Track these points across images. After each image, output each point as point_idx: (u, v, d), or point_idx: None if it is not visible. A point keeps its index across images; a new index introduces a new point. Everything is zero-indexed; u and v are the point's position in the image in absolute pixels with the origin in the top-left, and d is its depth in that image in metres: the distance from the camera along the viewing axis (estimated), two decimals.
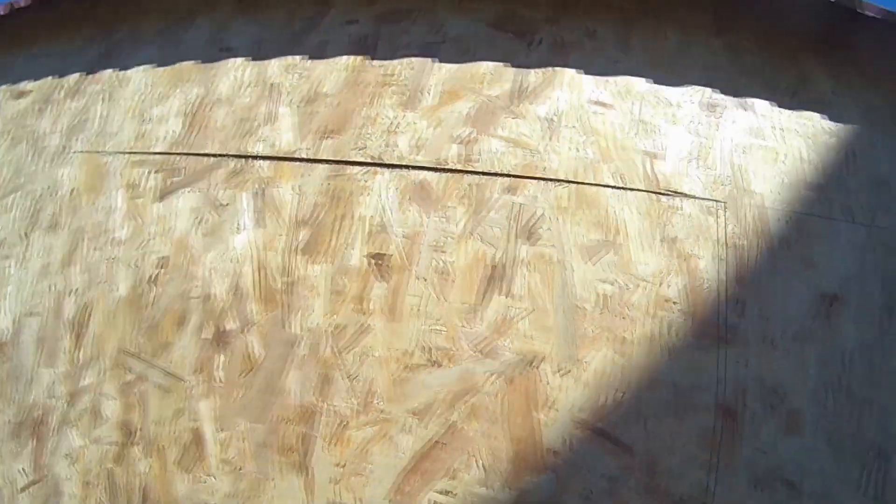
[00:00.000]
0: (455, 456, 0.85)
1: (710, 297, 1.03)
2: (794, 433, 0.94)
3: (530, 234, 1.01)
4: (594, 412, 0.88)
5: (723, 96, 1.15)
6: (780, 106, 1.15)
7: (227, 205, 1.00)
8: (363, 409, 0.87)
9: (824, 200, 1.15)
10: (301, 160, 1.05)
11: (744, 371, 0.99)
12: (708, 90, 1.15)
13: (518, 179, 1.05)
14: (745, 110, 1.15)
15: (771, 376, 0.98)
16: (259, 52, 1.17)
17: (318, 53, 1.18)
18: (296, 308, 0.96)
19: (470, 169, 1.05)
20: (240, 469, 0.86)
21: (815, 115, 1.16)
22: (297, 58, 1.17)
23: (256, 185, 1.03)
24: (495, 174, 1.05)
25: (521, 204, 1.04)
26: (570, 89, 1.10)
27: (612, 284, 1.00)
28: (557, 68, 1.11)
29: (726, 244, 1.08)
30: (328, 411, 0.88)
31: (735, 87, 1.16)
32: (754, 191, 1.14)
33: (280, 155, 1.07)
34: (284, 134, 1.10)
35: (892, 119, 1.28)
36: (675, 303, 1.02)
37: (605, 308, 0.99)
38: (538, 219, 1.03)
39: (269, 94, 1.12)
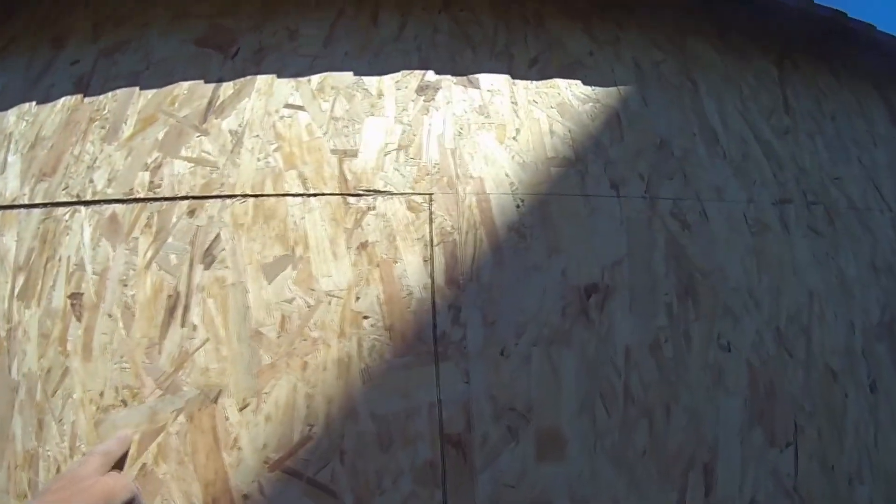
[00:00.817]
0: (150, 500, 0.85)
1: (415, 307, 0.77)
2: (553, 459, 0.75)
3: (207, 257, 0.83)
4: (282, 449, 0.77)
5: (440, 76, 0.95)
6: (515, 77, 0.95)
7: None
8: (70, 452, 0.89)
9: (577, 175, 0.87)
10: (20, 206, 0.97)
11: (465, 389, 0.77)
12: (423, 72, 0.95)
13: (199, 201, 0.85)
14: (467, 88, 0.94)
15: (505, 392, 0.75)
16: (2, 103, 1.06)
17: (44, 97, 1.04)
18: (14, 353, 0.95)
19: (152, 196, 0.88)
20: None
21: (565, 82, 0.95)
22: (27, 104, 1.05)
23: None
24: (175, 198, 0.86)
25: (198, 226, 0.84)
26: (259, 96, 0.95)
27: (293, 304, 0.79)
28: (250, 76, 0.97)
29: (432, 242, 0.77)
30: (45, 456, 0.90)
31: (458, 64, 0.96)
32: (473, 176, 0.85)
33: (5, 204, 1.00)
34: (11, 182, 1.01)
35: (672, 69, 1.01)
36: (368, 317, 0.78)
37: (286, 331, 0.80)
38: (214, 240, 0.83)
39: (4, 144, 1.03)
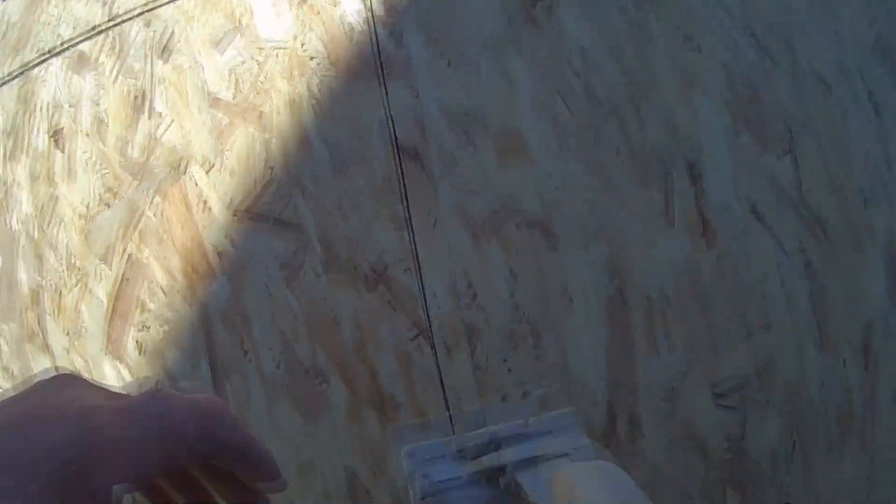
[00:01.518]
0: (139, 287, 0.85)
1: (357, 39, 0.77)
2: (516, 162, 0.71)
3: (164, 53, 0.87)
4: (248, 198, 0.78)
5: None
6: None
7: None
8: (67, 272, 0.91)
9: None
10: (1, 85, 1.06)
11: (415, 102, 0.76)
12: None
13: (151, 12, 0.89)
14: None
15: (457, 100, 0.73)
16: None
17: None
18: (11, 207, 1.00)
19: (111, 24, 0.93)
20: (12, 372, 0.98)
21: None
22: None
23: None
24: (132, 18, 0.91)
25: (154, 31, 0.88)
26: None
27: (244, 65, 0.81)
28: None
29: None
30: (48, 286, 0.93)
31: None
32: None
33: None
34: None
35: None
36: (314, 58, 0.79)
37: (241, 91, 0.82)
38: (170, 37, 0.87)
39: None
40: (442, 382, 0.69)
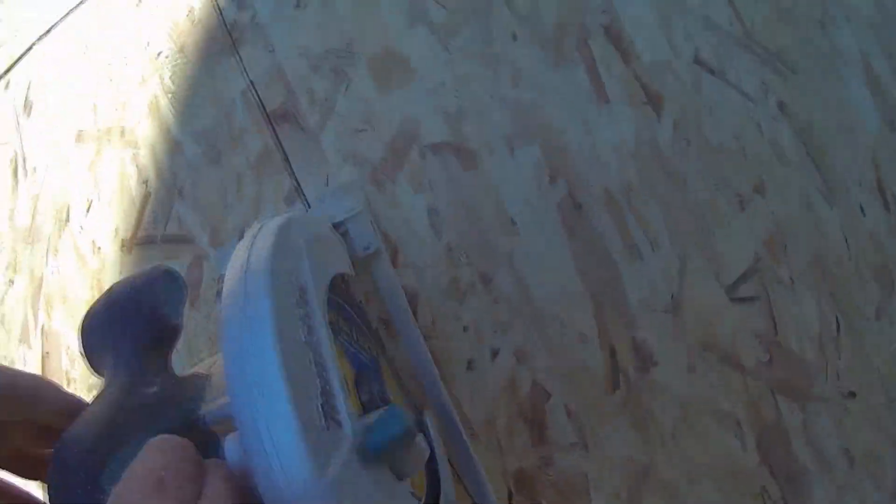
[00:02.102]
0: (59, 358, 0.72)
1: (200, 16, 0.66)
2: (401, 82, 0.59)
3: (26, 108, 0.75)
4: (130, 226, 0.65)
5: None
6: None
7: None
8: None
9: None
10: None
11: (272, 57, 0.63)
12: None
13: (10, 73, 0.79)
14: None
15: (316, 40, 0.60)
16: None
17: None
18: None
19: None
20: None
21: None
22: None
23: None
24: None
25: (14, 91, 0.77)
26: None
27: (98, 86, 0.70)
28: None
29: None
30: None
31: None
32: None
33: None
34: None
35: None
36: (161, 52, 0.67)
37: (99, 114, 0.70)
38: (28, 89, 0.75)
39: None
40: (399, 378, 0.54)
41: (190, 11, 0.66)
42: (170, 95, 0.64)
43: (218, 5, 0.65)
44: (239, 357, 0.22)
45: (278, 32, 0.61)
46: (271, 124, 0.59)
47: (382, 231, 0.56)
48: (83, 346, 0.30)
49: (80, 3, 0.70)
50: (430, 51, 0.59)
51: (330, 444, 0.23)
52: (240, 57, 0.61)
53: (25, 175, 0.73)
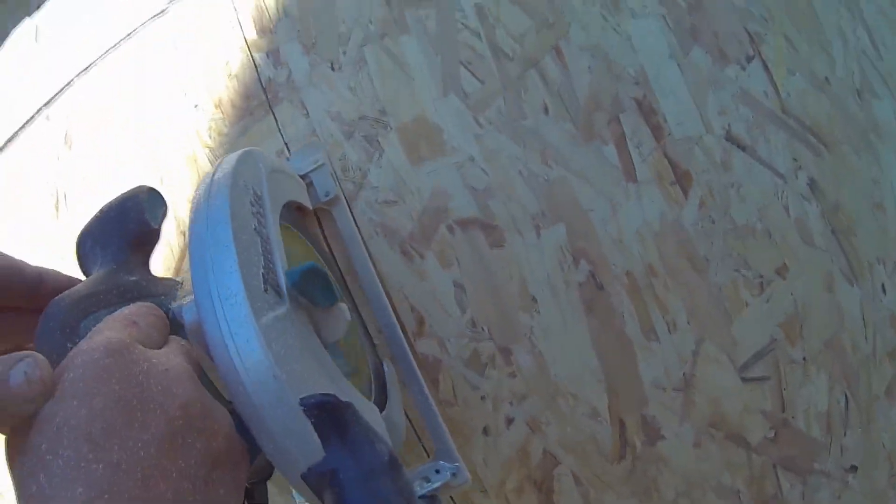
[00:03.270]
0: None
1: (237, 71, 0.65)
2: (431, 154, 0.58)
3: (66, 142, 0.77)
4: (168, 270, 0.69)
5: None
6: None
7: None
8: None
9: None
10: None
11: (306, 121, 0.62)
12: None
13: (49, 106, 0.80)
14: None
15: (349, 104, 0.58)
16: None
17: None
18: None
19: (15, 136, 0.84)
20: None
21: None
22: None
23: None
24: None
25: (54, 125, 0.79)
26: None
27: (140, 146, 0.71)
28: None
29: (235, 7, 0.67)
30: None
31: None
32: None
33: None
34: None
35: None
36: (197, 105, 0.67)
37: (143, 166, 0.72)
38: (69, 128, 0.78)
39: None
40: (419, 438, 0.57)
41: (227, 64, 0.67)
42: (206, 150, 0.66)
43: (254, 61, 0.66)
44: (199, 230, 0.29)
45: (313, 95, 0.62)
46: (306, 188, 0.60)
47: (409, 302, 0.58)
48: (78, 250, 0.35)
49: (119, 43, 0.71)
50: (461, 122, 0.59)
51: (267, 303, 0.29)
52: (275, 117, 0.62)
53: (67, 209, 0.75)
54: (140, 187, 0.36)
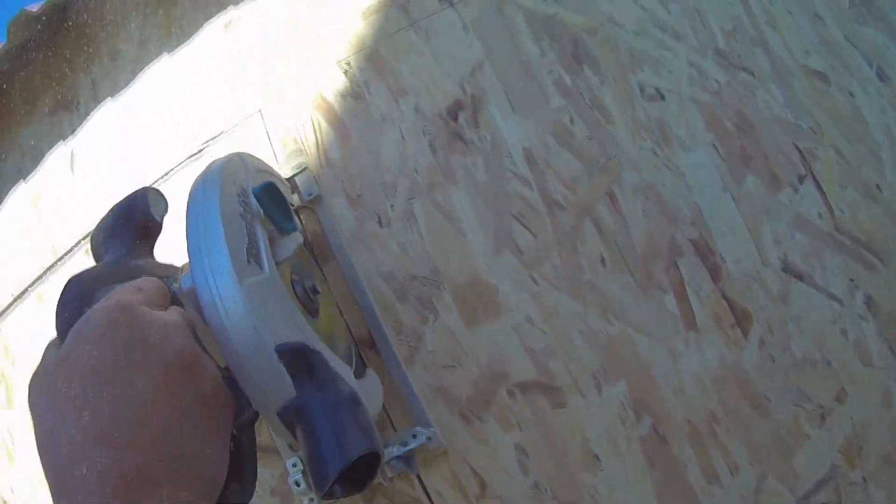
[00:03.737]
0: None
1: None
2: (487, 317, 0.57)
3: None
4: None
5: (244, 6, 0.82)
6: None
7: None
8: None
9: (398, 9, 0.69)
10: None
11: (355, 282, 0.61)
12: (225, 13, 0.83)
13: None
14: None
15: (400, 264, 0.59)
16: None
17: None
18: None
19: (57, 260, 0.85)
20: None
21: None
22: None
23: None
24: (74, 250, 0.82)
25: None
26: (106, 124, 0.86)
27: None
28: (92, 114, 0.87)
29: (276, 156, 0.63)
30: None
31: None
32: (291, 70, 0.66)
33: None
34: None
35: None
36: None
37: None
38: None
39: None
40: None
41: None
42: None
43: (300, 218, 0.64)
44: (194, 214, 0.36)
45: (362, 254, 0.61)
46: (359, 352, 0.60)
47: (469, 465, 0.58)
48: (92, 241, 0.41)
49: (156, 182, 0.70)
50: (516, 281, 0.58)
51: (250, 271, 0.35)
52: (324, 276, 0.62)
53: None
54: (145, 187, 0.42)
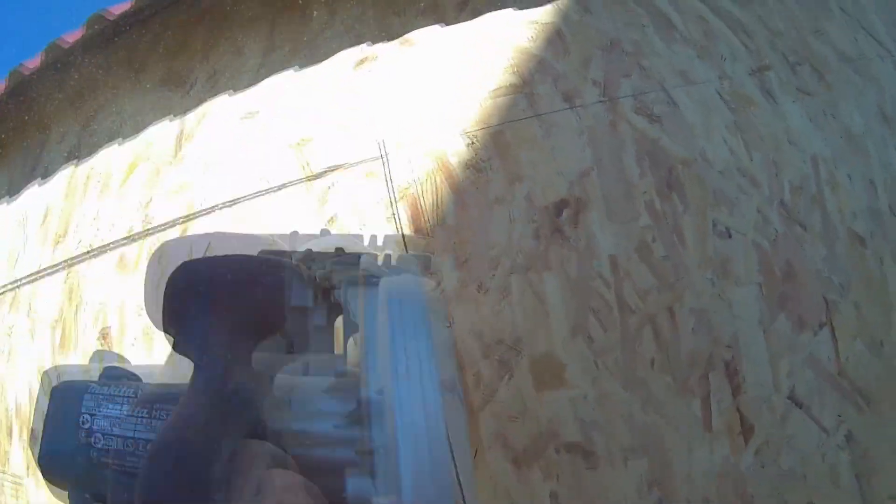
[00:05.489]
0: None
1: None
2: (553, 386, 0.69)
3: None
4: None
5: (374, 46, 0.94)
6: (447, 24, 0.91)
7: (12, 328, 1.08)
8: None
9: (525, 99, 0.82)
10: (43, 273, 1.06)
11: (449, 332, 0.74)
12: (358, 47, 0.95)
13: (188, 222, 0.89)
14: (402, 47, 0.92)
15: (490, 327, 0.69)
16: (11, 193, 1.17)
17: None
18: None
19: (149, 232, 0.93)
20: None
21: (497, 14, 0.90)
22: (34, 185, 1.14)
23: (26, 306, 1.09)
24: (167, 226, 0.91)
25: (191, 242, 0.88)
26: (221, 116, 0.98)
27: None
28: (208, 101, 1.00)
29: (394, 202, 0.75)
30: None
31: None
32: (421, 127, 0.83)
33: (31, 276, 1.10)
34: (33, 257, 1.11)
35: None
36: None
37: None
38: (206, 250, 0.87)
39: (22, 223, 1.14)
40: None
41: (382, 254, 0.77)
42: None
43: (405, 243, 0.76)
44: (408, 333, 0.32)
45: (459, 310, 0.73)
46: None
47: (511, 501, 0.71)
48: (170, 300, 0.29)
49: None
50: (583, 364, 0.71)
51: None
52: None
53: None
54: (283, 259, 0.32)
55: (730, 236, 0.76)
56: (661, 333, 0.72)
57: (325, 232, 0.65)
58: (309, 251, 0.41)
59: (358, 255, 0.41)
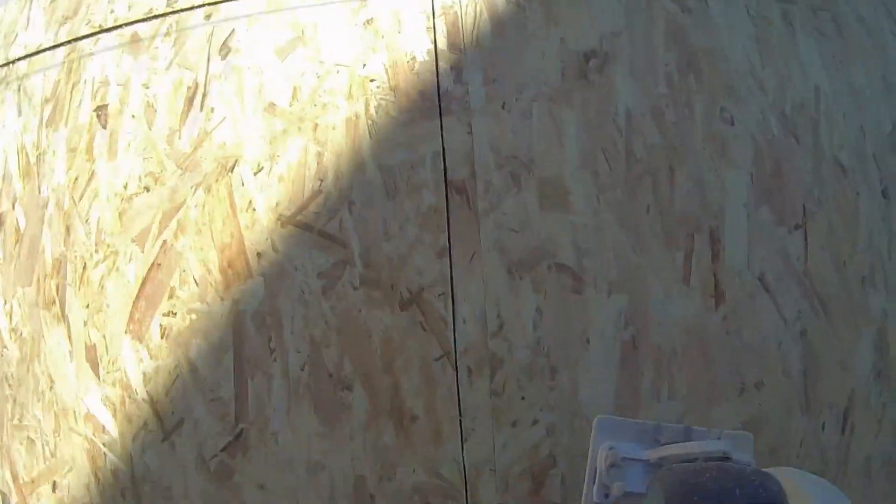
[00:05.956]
0: (171, 274, 0.88)
1: (419, 69, 0.81)
2: (556, 209, 0.77)
3: (223, 50, 0.89)
4: (294, 206, 0.81)
5: None
6: None
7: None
8: (96, 247, 0.92)
9: None
10: (46, 50, 1.05)
11: (468, 139, 0.80)
12: None
13: (214, 6, 0.91)
14: None
15: (507, 143, 0.77)
16: None
17: None
18: (43, 174, 1.01)
19: (170, 10, 0.94)
20: (21, 334, 0.99)
21: None
22: None
23: (16, 83, 1.08)
24: (192, 7, 0.93)
25: (214, 25, 0.90)
26: None
27: (303, 77, 0.83)
28: None
29: (434, 14, 0.81)
30: (73, 258, 0.94)
31: None
32: None
33: (31, 52, 1.08)
34: (36, 33, 1.09)
35: None
36: (374, 80, 0.82)
37: (297, 100, 0.84)
38: (230, 35, 0.89)
39: (28, 4, 1.12)
40: (459, 404, 0.74)
41: (411, 59, 0.81)
42: (370, 122, 0.80)
43: (437, 69, 0.80)
44: None
45: (481, 122, 0.77)
46: (447, 191, 0.76)
47: (498, 306, 0.74)
48: None
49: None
50: (586, 195, 0.76)
51: None
52: (442, 124, 0.77)
53: (200, 109, 0.87)
54: (772, 478, 0.33)
55: (733, 124, 0.84)
56: (659, 185, 0.78)
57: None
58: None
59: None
